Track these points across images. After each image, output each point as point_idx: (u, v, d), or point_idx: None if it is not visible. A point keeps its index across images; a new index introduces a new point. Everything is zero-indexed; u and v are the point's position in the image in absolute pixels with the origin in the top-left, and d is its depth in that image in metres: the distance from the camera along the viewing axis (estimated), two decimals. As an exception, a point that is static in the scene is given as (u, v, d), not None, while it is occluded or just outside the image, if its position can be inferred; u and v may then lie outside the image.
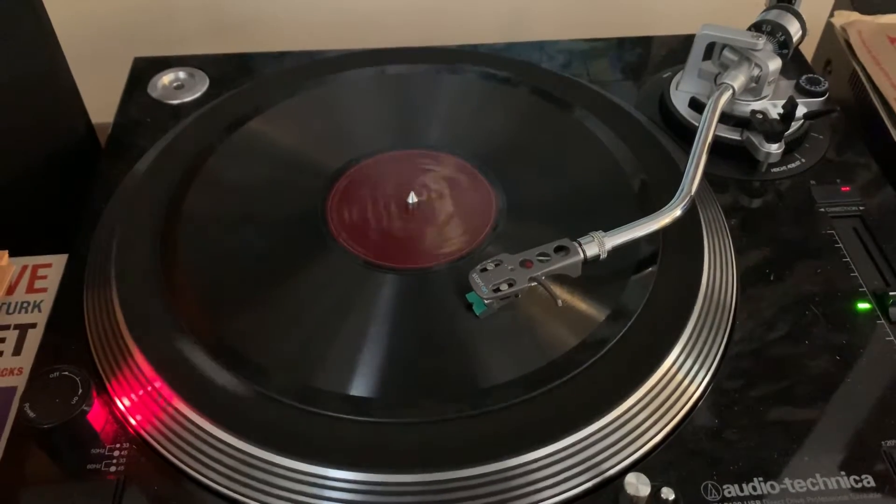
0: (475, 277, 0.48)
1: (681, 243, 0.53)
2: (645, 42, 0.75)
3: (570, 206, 0.57)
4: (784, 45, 0.62)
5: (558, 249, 0.49)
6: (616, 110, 0.64)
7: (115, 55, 0.75)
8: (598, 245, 0.49)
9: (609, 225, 0.50)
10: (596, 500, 0.43)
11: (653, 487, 0.41)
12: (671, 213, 0.51)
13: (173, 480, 0.44)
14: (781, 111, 0.59)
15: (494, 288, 0.47)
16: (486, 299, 0.47)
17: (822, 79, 0.63)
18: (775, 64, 0.61)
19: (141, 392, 0.46)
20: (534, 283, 0.48)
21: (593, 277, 0.51)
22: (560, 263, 0.48)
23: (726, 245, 0.55)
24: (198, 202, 0.57)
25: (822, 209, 0.59)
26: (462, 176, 0.59)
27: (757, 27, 0.63)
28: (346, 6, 0.89)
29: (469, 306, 0.50)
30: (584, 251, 0.49)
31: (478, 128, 0.64)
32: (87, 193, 0.60)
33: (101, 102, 0.72)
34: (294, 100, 0.65)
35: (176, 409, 0.45)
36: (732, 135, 0.62)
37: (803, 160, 0.62)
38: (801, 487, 0.44)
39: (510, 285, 0.47)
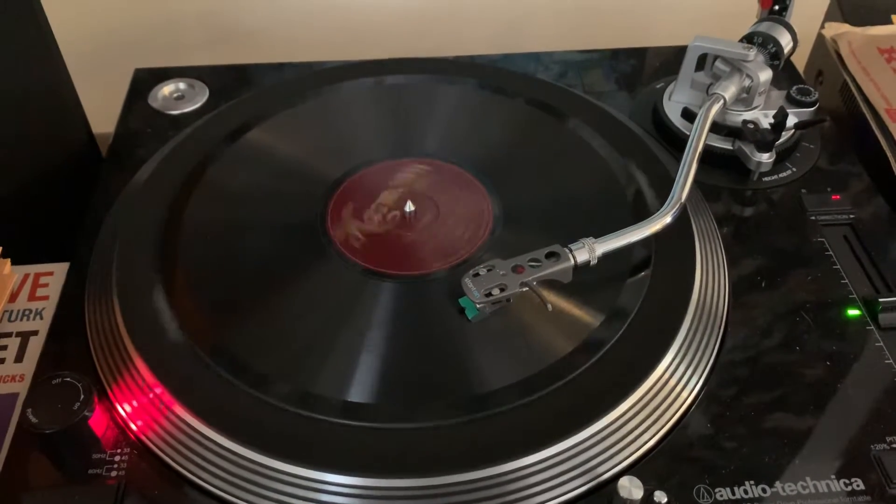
0: (467, 282, 0.49)
1: (673, 251, 0.54)
2: (639, 53, 0.76)
3: (564, 214, 0.58)
4: (775, 57, 0.63)
5: (549, 255, 0.50)
6: (610, 120, 0.65)
7: (116, 66, 0.75)
8: (588, 251, 0.50)
9: (603, 232, 0.51)
10: (590, 504, 0.44)
11: (646, 491, 0.42)
12: (661, 220, 0.52)
13: (173, 485, 0.45)
14: (772, 121, 0.60)
15: (486, 292, 0.48)
16: (478, 304, 0.48)
17: (812, 89, 0.64)
18: (766, 75, 0.62)
19: (142, 398, 0.47)
20: (525, 289, 0.49)
21: (587, 284, 0.52)
22: (551, 269, 0.49)
23: (718, 253, 0.56)
24: (198, 211, 0.58)
25: (813, 217, 0.59)
26: (459, 184, 0.60)
27: (748, 39, 0.64)
28: (345, 18, 0.90)
29: (461, 311, 0.50)
30: (574, 257, 0.50)
31: (474, 137, 0.65)
32: (89, 202, 0.61)
33: (103, 113, 0.72)
34: (293, 110, 0.66)
35: (176, 415, 0.46)
36: (724, 144, 0.63)
37: (794, 169, 0.63)
38: (792, 491, 0.44)
39: (502, 290, 0.48)
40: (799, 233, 0.58)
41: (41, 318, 0.55)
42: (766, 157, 0.60)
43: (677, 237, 0.54)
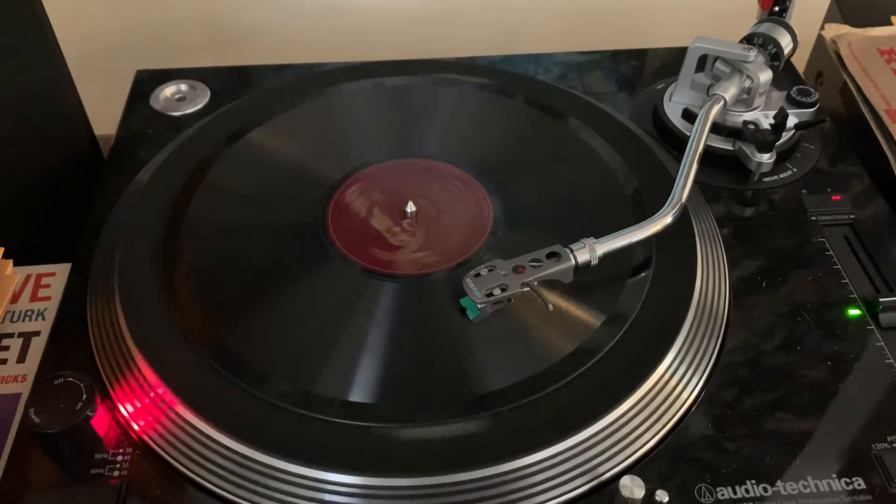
0: (469, 282, 0.49)
1: (674, 251, 0.54)
2: (639, 54, 0.77)
3: (565, 215, 0.58)
4: (775, 57, 0.64)
5: (550, 255, 0.50)
6: (611, 121, 0.65)
7: (118, 68, 0.76)
8: (589, 251, 0.50)
9: (603, 233, 0.51)
10: (591, 503, 0.44)
11: (647, 490, 0.42)
12: (662, 221, 0.52)
13: (175, 485, 0.45)
14: (773, 121, 0.60)
15: (487, 293, 0.48)
16: (480, 304, 0.48)
17: (812, 90, 0.64)
18: (766, 76, 0.62)
19: (144, 398, 0.47)
20: (526, 289, 0.49)
21: (589, 285, 0.52)
22: (552, 269, 0.49)
23: (719, 253, 0.56)
24: (199, 212, 0.58)
25: (814, 218, 0.59)
26: (459, 185, 0.60)
27: (749, 40, 0.64)
28: (346, 20, 0.90)
29: (463, 311, 0.51)
30: (575, 257, 0.50)
31: (475, 138, 0.65)
32: (91, 203, 0.61)
33: (104, 114, 0.73)
34: (294, 111, 0.66)
35: (178, 415, 0.46)
36: (725, 145, 0.63)
37: (795, 170, 0.63)
38: (794, 490, 0.44)
39: (503, 290, 0.48)
40: (799, 233, 0.58)
41: (43, 318, 0.55)
42: (766, 158, 0.60)
43: (678, 237, 0.54)
